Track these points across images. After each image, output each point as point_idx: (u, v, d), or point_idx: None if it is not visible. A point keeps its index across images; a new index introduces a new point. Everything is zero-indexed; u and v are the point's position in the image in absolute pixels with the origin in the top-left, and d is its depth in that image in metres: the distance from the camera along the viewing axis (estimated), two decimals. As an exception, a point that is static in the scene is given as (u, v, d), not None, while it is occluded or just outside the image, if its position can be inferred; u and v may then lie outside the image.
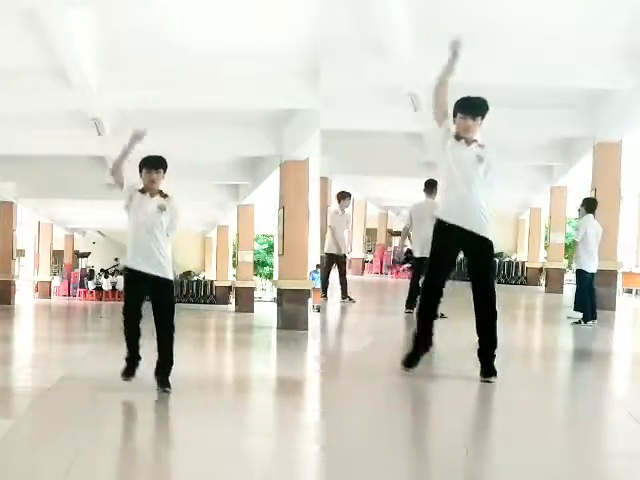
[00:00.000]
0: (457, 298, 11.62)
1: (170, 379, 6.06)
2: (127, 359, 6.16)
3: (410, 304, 9.74)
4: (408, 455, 4.07)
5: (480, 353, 5.64)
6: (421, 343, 5.70)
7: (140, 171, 6.15)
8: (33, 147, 13.31)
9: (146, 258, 5.96)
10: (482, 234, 5.55)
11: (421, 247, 9.81)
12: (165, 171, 6.15)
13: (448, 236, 5.62)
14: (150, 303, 6.06)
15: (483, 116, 5.61)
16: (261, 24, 8.71)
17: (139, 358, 6.16)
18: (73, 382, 6.59)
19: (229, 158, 15.74)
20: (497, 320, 5.62)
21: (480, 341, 5.66)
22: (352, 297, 12.06)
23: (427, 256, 9.54)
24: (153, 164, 6.11)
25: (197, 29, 8.86)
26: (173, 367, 6.13)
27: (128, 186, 6.15)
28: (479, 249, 5.62)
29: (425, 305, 5.71)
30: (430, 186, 10.04)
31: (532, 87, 10.49)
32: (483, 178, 5.54)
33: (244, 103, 10.87)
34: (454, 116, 5.65)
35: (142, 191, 6.12)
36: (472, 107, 5.63)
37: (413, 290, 9.73)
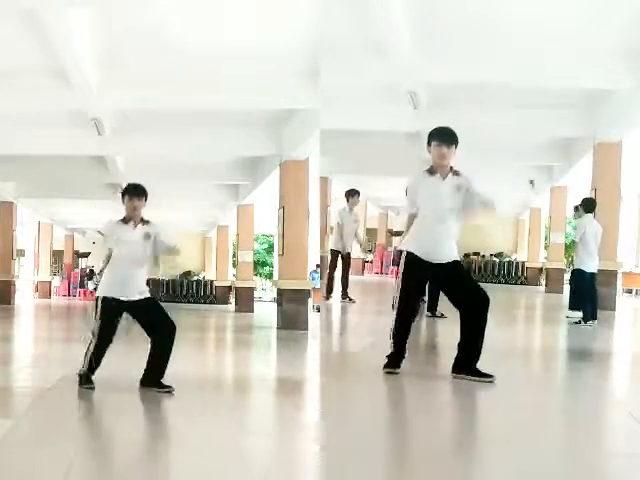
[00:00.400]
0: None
1: (170, 379, 6.09)
2: (88, 373, 6.18)
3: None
4: (408, 455, 4.07)
5: (470, 355, 5.66)
6: (398, 353, 5.86)
7: (122, 198, 6.20)
8: (33, 147, 13.31)
9: (126, 286, 6.11)
10: (452, 260, 5.77)
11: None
12: (146, 199, 6.19)
13: (419, 267, 5.81)
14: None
15: (456, 145, 5.77)
16: (261, 24, 8.71)
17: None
18: (73, 382, 6.57)
19: (229, 158, 15.73)
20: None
21: (470, 345, 5.68)
22: (352, 297, 12.06)
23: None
24: (135, 192, 6.16)
25: (197, 29, 8.86)
26: (174, 367, 6.17)
27: (107, 233, 6.29)
28: (453, 271, 5.81)
29: (402, 327, 5.89)
30: None
31: (532, 87, 10.50)
32: (460, 207, 5.69)
33: (244, 103, 10.87)
34: (428, 144, 5.83)
35: (124, 221, 6.20)
36: (446, 135, 5.79)
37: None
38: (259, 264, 32.01)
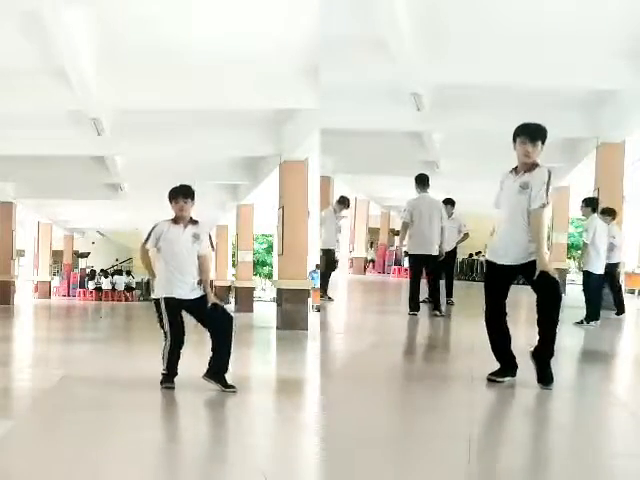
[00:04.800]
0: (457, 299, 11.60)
1: (175, 379, 6.24)
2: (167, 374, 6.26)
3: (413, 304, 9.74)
4: (408, 456, 4.06)
5: None
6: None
7: (170, 201, 6.31)
8: (32, 147, 13.31)
9: (179, 286, 6.21)
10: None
11: (416, 245, 9.83)
12: (193, 199, 6.32)
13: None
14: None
15: (543, 140, 5.57)
16: (261, 23, 8.70)
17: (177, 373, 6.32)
18: (73, 382, 6.58)
19: (229, 158, 15.73)
20: None
21: None
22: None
23: (421, 253, 9.71)
24: (182, 193, 6.28)
25: (197, 29, 8.85)
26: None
27: (154, 237, 6.33)
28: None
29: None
30: (420, 180, 10.03)
31: (534, 88, 10.48)
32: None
33: (244, 103, 10.85)
34: (514, 141, 5.56)
35: (174, 221, 6.31)
36: (531, 131, 5.56)
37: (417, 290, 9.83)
38: (259, 264, 32.00)
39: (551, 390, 5.39)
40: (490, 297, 5.68)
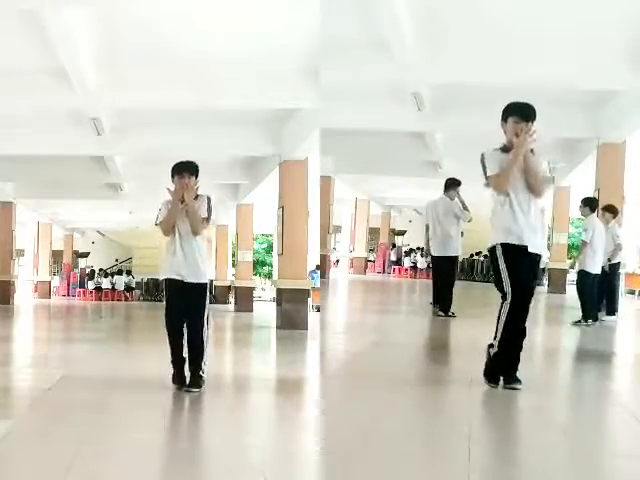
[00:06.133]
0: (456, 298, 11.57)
1: (169, 378, 6.12)
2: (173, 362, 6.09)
3: (437, 301, 9.88)
4: (408, 456, 4.05)
5: None
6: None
7: (172, 177, 6.08)
8: (32, 147, 13.31)
9: (182, 266, 5.97)
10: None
11: (437, 245, 9.90)
12: (197, 176, 6.09)
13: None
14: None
15: (534, 120, 5.26)
16: (261, 23, 8.70)
17: (184, 361, 6.08)
18: (73, 382, 6.57)
19: (229, 157, 15.73)
20: None
21: None
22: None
23: (443, 255, 9.77)
24: (186, 169, 6.06)
25: (197, 29, 8.85)
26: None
27: (161, 209, 6.10)
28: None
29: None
30: (449, 185, 10.08)
31: (535, 88, 10.46)
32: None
33: (244, 102, 10.86)
34: (504, 120, 5.30)
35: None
36: (526, 110, 5.25)
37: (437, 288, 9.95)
38: (258, 264, 32.00)
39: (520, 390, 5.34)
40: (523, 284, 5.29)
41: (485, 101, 11.31)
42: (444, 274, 9.92)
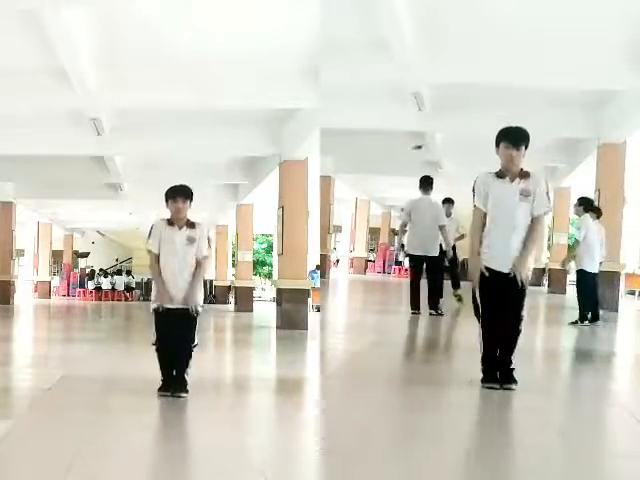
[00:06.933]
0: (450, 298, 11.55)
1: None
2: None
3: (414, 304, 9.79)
4: (408, 456, 4.05)
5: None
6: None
7: (166, 201, 5.98)
8: (32, 147, 13.32)
9: (172, 290, 5.90)
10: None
11: (416, 245, 9.85)
12: (191, 201, 5.98)
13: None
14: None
15: (527, 146, 5.34)
16: (261, 23, 8.70)
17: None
18: (73, 382, 6.57)
19: (228, 158, 15.74)
20: None
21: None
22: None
23: (421, 254, 9.73)
24: (180, 193, 5.94)
25: (197, 29, 8.85)
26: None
27: (153, 232, 6.00)
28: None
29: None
30: (426, 182, 10.03)
31: (535, 88, 10.48)
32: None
33: (243, 102, 10.86)
34: (497, 146, 5.38)
35: (169, 223, 5.97)
36: (515, 136, 5.32)
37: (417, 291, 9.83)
38: (258, 264, 32.00)
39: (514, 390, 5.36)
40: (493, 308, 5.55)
41: (485, 101, 11.35)
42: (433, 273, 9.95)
